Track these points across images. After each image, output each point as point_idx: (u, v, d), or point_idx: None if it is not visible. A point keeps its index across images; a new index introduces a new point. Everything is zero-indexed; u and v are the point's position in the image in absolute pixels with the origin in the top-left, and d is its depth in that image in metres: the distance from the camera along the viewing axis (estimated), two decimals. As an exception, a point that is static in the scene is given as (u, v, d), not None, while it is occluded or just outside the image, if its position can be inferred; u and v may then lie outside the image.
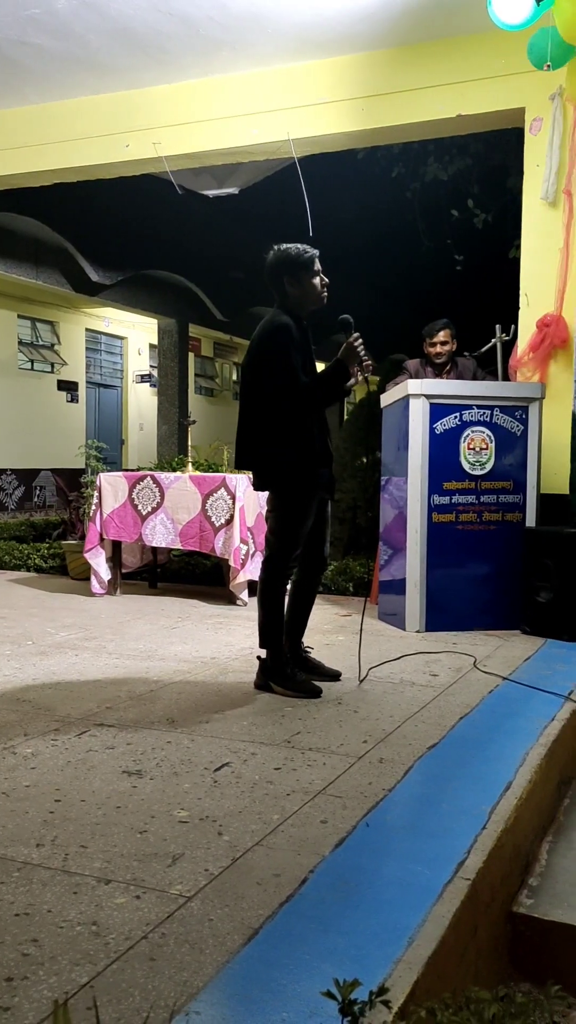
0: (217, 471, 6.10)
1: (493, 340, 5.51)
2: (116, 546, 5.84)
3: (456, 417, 4.65)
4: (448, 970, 1.64)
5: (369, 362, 3.36)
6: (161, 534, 5.53)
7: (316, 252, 3.45)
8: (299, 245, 3.44)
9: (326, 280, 3.48)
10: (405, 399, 4.65)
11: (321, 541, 3.59)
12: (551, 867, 2.41)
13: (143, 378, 17.58)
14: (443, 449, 4.64)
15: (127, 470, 6.35)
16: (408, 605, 4.65)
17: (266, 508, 3.66)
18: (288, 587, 3.60)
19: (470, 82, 5.41)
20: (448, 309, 6.68)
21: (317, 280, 3.45)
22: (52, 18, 5.36)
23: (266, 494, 3.62)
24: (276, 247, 3.46)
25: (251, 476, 3.94)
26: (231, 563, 5.33)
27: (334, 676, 3.59)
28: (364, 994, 1.24)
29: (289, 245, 3.44)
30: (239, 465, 3.56)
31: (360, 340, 3.34)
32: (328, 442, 3.51)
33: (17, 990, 1.44)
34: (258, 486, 3.52)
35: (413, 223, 9.41)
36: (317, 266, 3.44)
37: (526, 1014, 1.30)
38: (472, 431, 4.67)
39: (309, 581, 3.65)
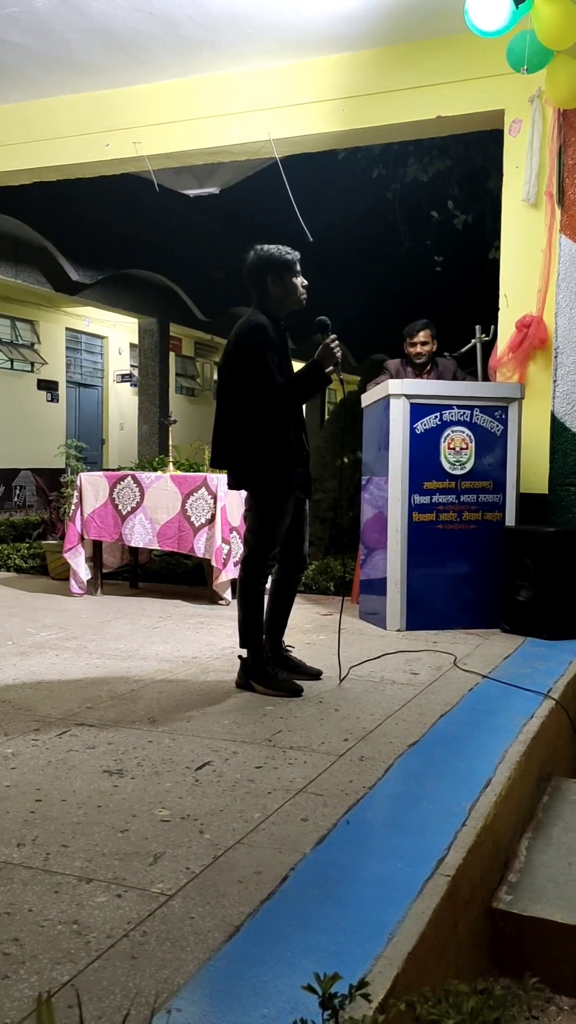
0: (198, 471, 6.09)
1: (473, 340, 5.54)
2: (97, 546, 5.82)
3: (436, 417, 4.68)
4: (428, 965, 1.66)
5: (339, 356, 3.38)
6: (139, 534, 5.52)
7: (297, 254, 3.49)
8: (280, 246, 3.49)
9: (305, 282, 3.51)
10: (386, 399, 4.67)
11: (300, 540, 3.61)
12: (530, 863, 2.43)
13: (124, 378, 17.49)
14: (423, 449, 4.66)
15: (108, 470, 6.32)
16: (389, 604, 4.67)
17: (245, 508, 3.68)
18: (268, 586, 3.62)
19: (450, 84, 5.43)
20: (428, 309, 6.70)
21: (299, 280, 3.48)
22: (31, 16, 5.33)
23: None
24: (257, 248, 3.50)
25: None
26: (213, 563, 5.33)
27: (315, 675, 3.60)
28: (344, 988, 1.26)
29: (270, 246, 3.49)
30: (215, 464, 3.58)
31: (337, 342, 3.37)
32: (305, 441, 3.53)
33: (-2, 989, 1.45)
34: (233, 485, 3.54)
35: (394, 224, 9.43)
36: (298, 267, 3.48)
37: (504, 1007, 1.31)
38: (452, 431, 4.70)
39: (289, 580, 3.66)
